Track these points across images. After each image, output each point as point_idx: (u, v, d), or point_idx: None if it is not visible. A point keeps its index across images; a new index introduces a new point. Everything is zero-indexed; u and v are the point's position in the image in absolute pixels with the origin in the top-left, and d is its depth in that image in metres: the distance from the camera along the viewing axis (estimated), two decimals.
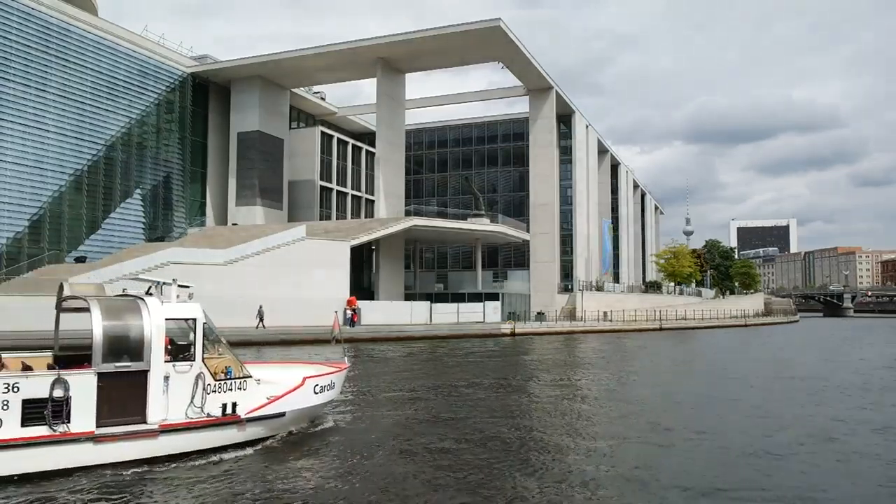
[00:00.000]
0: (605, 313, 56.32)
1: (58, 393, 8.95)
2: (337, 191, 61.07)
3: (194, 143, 52.24)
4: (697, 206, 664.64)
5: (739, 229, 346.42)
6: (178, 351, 10.29)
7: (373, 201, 57.25)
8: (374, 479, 9.13)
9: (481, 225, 52.39)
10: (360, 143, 64.96)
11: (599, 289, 64.07)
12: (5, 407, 8.66)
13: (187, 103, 51.10)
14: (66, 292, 10.64)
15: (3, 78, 38.36)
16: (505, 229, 54.23)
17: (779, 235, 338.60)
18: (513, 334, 43.25)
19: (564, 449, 11.19)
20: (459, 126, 75.42)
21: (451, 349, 32.01)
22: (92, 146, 43.59)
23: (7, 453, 8.56)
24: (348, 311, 38.32)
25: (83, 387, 9.16)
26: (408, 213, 52.71)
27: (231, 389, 10.54)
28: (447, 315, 44.20)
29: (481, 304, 47.69)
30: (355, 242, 41.54)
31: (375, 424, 12.86)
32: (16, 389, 8.76)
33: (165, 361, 9.86)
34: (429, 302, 44.88)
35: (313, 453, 10.61)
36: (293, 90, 58.38)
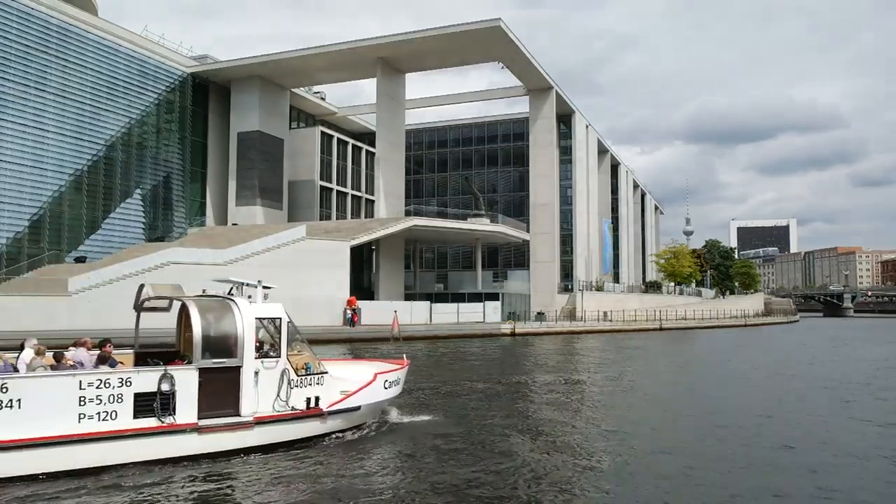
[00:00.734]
0: (605, 313, 56.33)
1: (165, 387, 9.67)
2: (337, 191, 61.06)
3: (194, 143, 52.23)
4: (698, 207, 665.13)
5: (739, 229, 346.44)
6: (265, 348, 10.91)
7: (373, 201, 57.24)
8: (443, 470, 9.71)
9: (481, 225, 52.39)
10: (360, 143, 64.95)
11: (599, 289, 64.06)
12: (119, 400, 9.36)
13: (187, 103, 51.08)
14: (149, 293, 11.59)
15: (3, 78, 38.34)
16: (505, 229, 54.24)
17: (779, 235, 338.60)
18: (513, 334, 43.23)
19: (632, 452, 11.28)
20: (459, 126, 75.41)
21: (454, 349, 31.97)
22: (92, 146, 43.57)
23: (122, 443, 9.29)
24: (348, 312, 38.31)
25: (186, 381, 9.88)
26: (408, 213, 52.70)
27: (311, 384, 11.21)
28: (447, 315, 44.21)
29: (481, 304, 47.69)
30: (355, 242, 41.53)
31: (433, 419, 13.56)
32: (129, 384, 9.48)
33: (255, 358, 10.51)
34: (429, 302, 44.90)
35: (387, 444, 11.36)
36: (293, 90, 58.37)
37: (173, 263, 33.15)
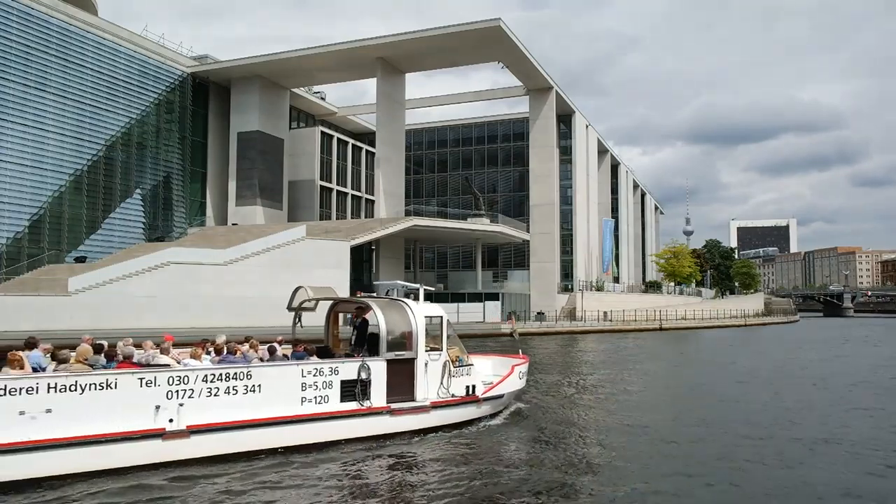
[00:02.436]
0: (605, 313, 56.32)
1: (363, 375, 11.26)
2: (337, 191, 61.04)
3: (194, 143, 52.22)
4: (699, 207, 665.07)
5: (739, 229, 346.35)
6: (430, 343, 12.40)
7: (373, 201, 57.24)
8: (572, 453, 10.95)
9: (481, 225, 52.37)
10: (360, 143, 64.93)
11: (599, 289, 64.09)
12: (330, 386, 10.98)
13: (187, 103, 51.06)
14: (309, 294, 13.80)
15: (3, 78, 38.33)
16: (505, 229, 54.23)
17: (779, 235, 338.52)
18: (513, 334, 43.22)
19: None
20: (459, 126, 75.41)
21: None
22: (92, 146, 43.57)
23: (332, 423, 10.90)
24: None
25: (377, 371, 11.45)
26: (408, 213, 52.67)
27: (465, 375, 12.85)
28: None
29: (481, 304, 47.68)
30: (355, 242, 41.53)
31: (546, 409, 14.96)
32: (336, 372, 11.09)
33: (424, 351, 12.12)
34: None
35: (524, 429, 12.86)
36: (293, 90, 58.35)
37: (173, 263, 33.12)
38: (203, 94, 53.16)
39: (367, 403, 11.23)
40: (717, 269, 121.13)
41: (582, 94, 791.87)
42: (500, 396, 13.50)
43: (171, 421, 9.42)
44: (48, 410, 8.62)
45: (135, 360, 10.21)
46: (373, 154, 58.20)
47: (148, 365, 10.08)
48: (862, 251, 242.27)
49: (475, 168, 73.46)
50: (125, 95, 45.84)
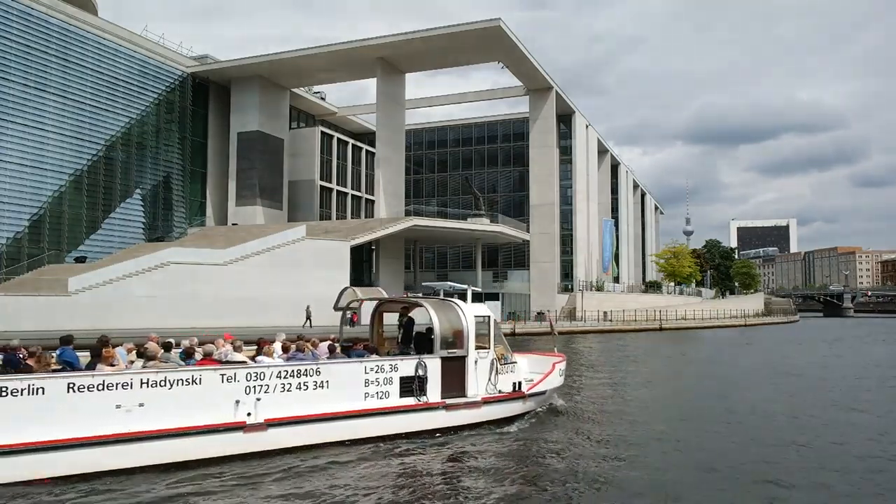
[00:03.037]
0: (605, 313, 56.32)
1: (420, 372, 11.78)
2: (337, 191, 61.02)
3: (194, 143, 52.21)
4: (699, 207, 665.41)
5: (739, 229, 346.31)
6: (478, 341, 12.81)
7: (373, 201, 57.23)
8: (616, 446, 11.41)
9: (481, 225, 52.38)
10: (360, 143, 64.91)
11: (599, 289, 64.11)
12: (390, 382, 11.48)
13: (187, 103, 51.05)
14: (358, 296, 14.68)
15: (3, 78, 38.33)
16: (505, 229, 54.23)
17: (779, 235, 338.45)
18: (513, 334, 43.19)
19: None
20: (459, 126, 75.41)
21: None
22: (92, 146, 43.56)
23: (392, 417, 11.41)
24: (348, 312, 38.29)
25: (433, 368, 11.97)
26: (408, 213, 52.68)
27: (510, 372, 13.48)
28: None
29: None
30: (355, 242, 41.53)
31: (584, 406, 15.55)
32: (396, 369, 11.60)
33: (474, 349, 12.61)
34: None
35: (566, 424, 13.41)
36: (293, 90, 58.34)
37: (173, 263, 33.13)
38: (203, 94, 53.15)
39: (423, 399, 11.78)
40: (717, 269, 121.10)
41: (583, 95, 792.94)
42: (543, 393, 14.12)
43: (249, 415, 9.99)
44: (141, 404, 9.18)
45: (213, 357, 10.76)
46: (373, 154, 58.19)
47: (228, 362, 10.62)
48: (862, 251, 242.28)
49: (475, 168, 73.46)
50: (125, 95, 45.83)
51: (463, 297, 13.56)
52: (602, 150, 77.69)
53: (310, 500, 8.18)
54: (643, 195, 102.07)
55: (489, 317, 13.19)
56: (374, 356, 11.99)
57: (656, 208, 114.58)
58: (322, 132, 59.76)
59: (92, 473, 8.65)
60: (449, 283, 14.23)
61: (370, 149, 62.01)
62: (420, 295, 14.05)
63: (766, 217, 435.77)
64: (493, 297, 50.42)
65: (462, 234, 54.29)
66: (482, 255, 59.45)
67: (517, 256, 66.50)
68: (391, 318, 15.16)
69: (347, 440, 10.80)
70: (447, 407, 12.02)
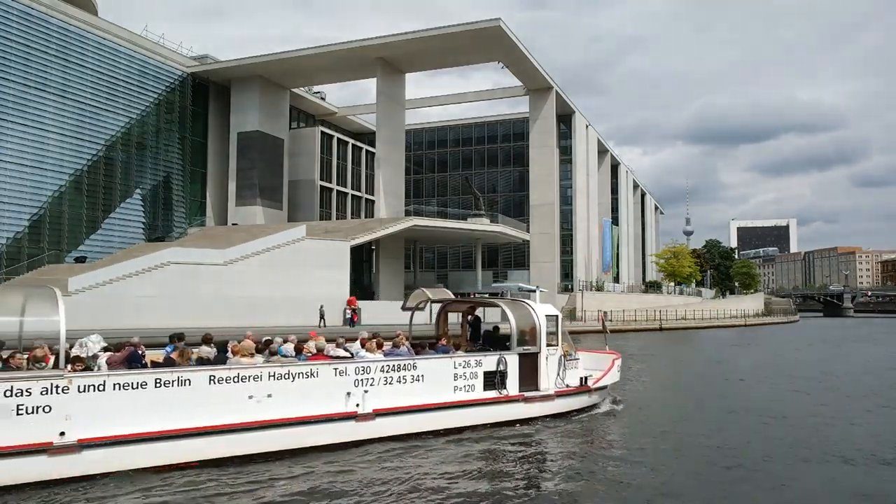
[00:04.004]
0: (604, 313, 56.26)
1: (501, 367, 12.65)
2: (337, 191, 61.01)
3: (194, 143, 52.20)
4: (700, 207, 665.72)
5: (739, 229, 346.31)
6: (547, 339, 13.70)
7: (373, 201, 57.21)
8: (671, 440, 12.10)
9: (481, 225, 52.36)
10: (360, 143, 64.90)
11: (599, 289, 64.10)
12: (475, 376, 12.39)
13: (187, 103, 51.05)
14: (428, 296, 15.55)
15: (3, 78, 38.34)
16: (505, 229, 54.21)
17: (779, 235, 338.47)
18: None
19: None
20: (459, 126, 75.41)
21: None
22: (92, 146, 43.56)
23: (477, 409, 12.31)
24: (348, 311, 38.28)
25: (512, 363, 12.86)
26: (408, 213, 52.67)
27: (575, 368, 14.39)
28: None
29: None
30: (355, 242, 41.51)
31: (641, 403, 16.30)
32: (480, 364, 12.50)
33: (545, 346, 13.51)
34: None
35: (627, 417, 14.39)
36: (293, 90, 58.33)
37: (173, 263, 33.10)
38: (203, 94, 53.14)
39: (504, 392, 12.67)
40: (717, 269, 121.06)
41: (584, 95, 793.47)
42: (605, 387, 15.10)
43: (357, 405, 10.97)
44: (269, 395, 10.11)
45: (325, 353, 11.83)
46: (373, 154, 58.17)
47: (337, 357, 11.68)
48: (862, 251, 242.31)
49: (475, 168, 73.46)
50: (125, 95, 45.83)
51: (514, 297, 14.48)
52: (602, 150, 77.68)
53: (415, 483, 9.01)
54: (643, 195, 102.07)
55: (557, 316, 14.16)
56: (459, 352, 12.98)
57: (656, 208, 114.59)
58: (322, 132, 59.75)
59: (228, 458, 9.54)
60: (518, 283, 15.38)
61: (370, 149, 62.00)
62: (485, 295, 15.32)
63: (766, 217, 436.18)
64: None
65: (462, 234, 54.27)
66: (482, 255, 59.45)
67: (517, 256, 66.50)
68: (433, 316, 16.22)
69: (441, 429, 11.72)
70: (526, 400, 12.97)
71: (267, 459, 9.71)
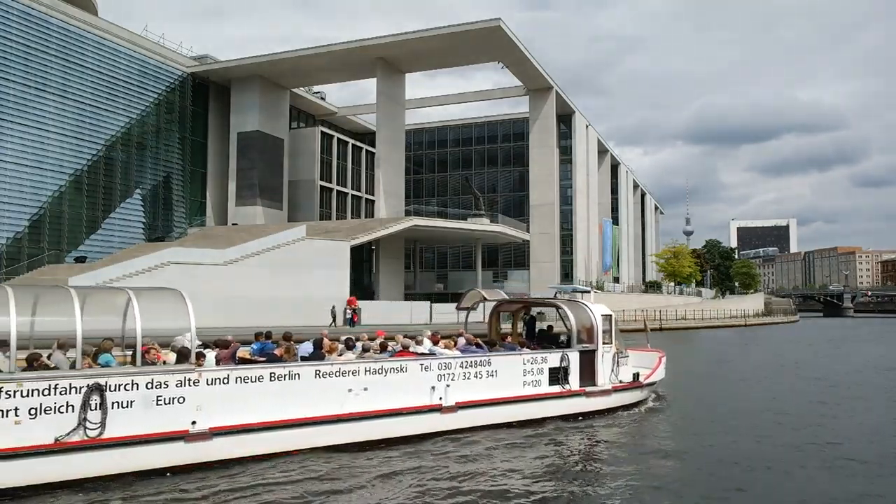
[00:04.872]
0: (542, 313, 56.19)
1: (564, 364, 13.62)
2: (337, 191, 60.99)
3: (194, 143, 52.19)
4: (700, 207, 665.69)
5: (739, 229, 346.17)
6: (602, 337, 14.56)
7: (373, 201, 57.18)
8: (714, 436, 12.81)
9: (481, 225, 52.33)
10: (360, 143, 64.88)
11: (599, 289, 63.98)
12: (541, 372, 13.35)
13: (187, 103, 51.03)
14: (484, 296, 16.55)
15: (3, 78, 38.32)
16: (505, 229, 54.18)
17: (779, 235, 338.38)
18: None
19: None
20: (459, 126, 75.36)
21: None
22: (92, 146, 43.55)
23: (544, 402, 13.28)
24: (348, 312, 38.27)
25: (573, 360, 13.84)
26: (408, 213, 52.65)
27: (626, 364, 15.26)
28: (447, 315, 44.01)
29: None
30: (355, 242, 41.50)
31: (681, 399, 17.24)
32: (545, 361, 13.46)
33: (602, 344, 14.43)
34: (429, 302, 44.82)
35: (675, 411, 15.50)
36: (293, 90, 58.31)
37: (173, 263, 33.09)
38: (203, 94, 53.12)
39: (567, 387, 13.62)
40: (717, 269, 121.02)
41: (585, 95, 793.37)
42: (654, 383, 16.19)
43: (440, 399, 11.83)
44: (365, 388, 11.03)
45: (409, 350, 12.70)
46: (373, 154, 58.15)
47: (422, 354, 12.50)
48: (862, 251, 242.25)
49: (475, 168, 73.42)
50: (125, 95, 45.82)
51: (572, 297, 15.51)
52: (602, 150, 77.66)
53: (494, 470, 9.92)
54: (643, 195, 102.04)
55: (611, 315, 15.00)
56: (526, 350, 14.02)
57: (656, 208, 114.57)
58: (322, 132, 59.73)
59: (330, 447, 10.45)
60: (573, 284, 15.80)
61: (370, 149, 61.97)
62: (537, 296, 15.57)
63: (766, 217, 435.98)
64: None
65: (462, 234, 54.25)
66: (482, 255, 59.41)
67: (517, 256, 66.47)
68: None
69: (514, 422, 12.70)
70: (587, 394, 14.00)
71: (362, 448, 10.59)
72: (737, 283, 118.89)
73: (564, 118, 63.68)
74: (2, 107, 38.21)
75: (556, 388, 13.46)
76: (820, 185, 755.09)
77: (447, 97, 67.38)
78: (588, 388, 13.95)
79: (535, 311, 17.84)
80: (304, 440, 10.34)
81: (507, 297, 17.10)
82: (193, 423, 9.44)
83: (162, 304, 10.61)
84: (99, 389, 8.84)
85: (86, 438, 8.67)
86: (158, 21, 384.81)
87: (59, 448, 8.54)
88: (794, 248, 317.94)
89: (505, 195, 71.70)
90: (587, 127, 68.81)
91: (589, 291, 15.93)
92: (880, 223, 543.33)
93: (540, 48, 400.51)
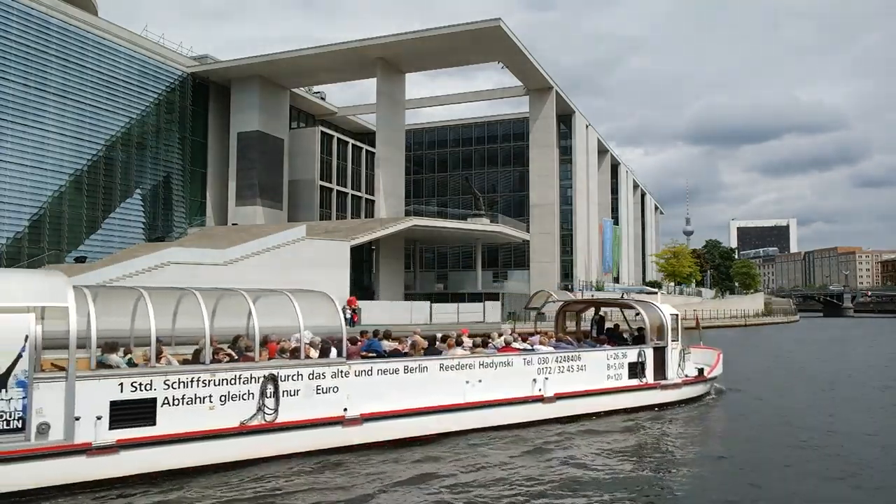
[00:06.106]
0: (604, 313, 56.25)
1: (640, 359, 14.91)
2: (337, 191, 60.98)
3: (194, 143, 52.18)
4: (701, 207, 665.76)
5: (739, 229, 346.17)
6: (671, 334, 15.68)
7: (373, 201, 57.17)
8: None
9: (481, 225, 52.30)
10: (360, 143, 64.87)
11: (599, 289, 64.00)
12: (622, 367, 14.63)
13: (187, 103, 51.02)
14: (554, 297, 18.05)
15: (3, 78, 38.33)
16: (505, 229, 54.16)
17: (779, 235, 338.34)
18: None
19: None
20: (459, 126, 75.33)
21: None
22: (92, 146, 43.55)
23: (625, 394, 14.56)
24: (348, 312, 38.27)
25: (649, 355, 15.14)
26: (408, 213, 52.63)
27: (689, 360, 16.46)
28: (447, 315, 44.04)
29: (481, 304, 47.55)
30: (355, 242, 41.49)
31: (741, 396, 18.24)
32: (625, 356, 14.75)
33: (671, 341, 15.60)
34: (429, 302, 44.79)
35: (734, 404, 16.85)
36: (293, 90, 58.30)
37: (173, 263, 33.10)
38: (203, 94, 53.12)
39: (644, 380, 14.86)
40: (717, 269, 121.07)
41: (586, 95, 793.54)
42: (715, 378, 17.43)
43: (540, 390, 13.09)
44: (480, 380, 12.29)
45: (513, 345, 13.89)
46: (373, 154, 58.14)
47: (525, 350, 13.72)
48: (862, 251, 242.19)
49: (475, 168, 73.38)
50: (125, 95, 45.81)
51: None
52: (602, 151, 77.66)
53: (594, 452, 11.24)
54: (643, 195, 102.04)
55: (677, 314, 16.19)
56: (607, 346, 15.26)
57: (656, 208, 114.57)
58: (322, 132, 59.72)
59: (453, 433, 11.66)
60: (638, 286, 17.33)
61: (370, 149, 61.96)
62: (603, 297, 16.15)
63: (767, 217, 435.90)
64: (493, 297, 50.35)
65: (462, 234, 54.23)
66: (482, 255, 59.40)
67: (517, 256, 66.44)
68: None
69: (602, 412, 13.93)
70: (662, 387, 15.24)
71: (475, 433, 11.80)
72: (737, 283, 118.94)
73: (564, 118, 63.66)
74: (2, 107, 38.21)
75: (635, 382, 14.71)
76: (820, 185, 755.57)
77: (447, 97, 67.37)
78: (662, 382, 15.25)
79: (602, 310, 19.31)
80: (435, 426, 11.58)
81: (573, 298, 18.61)
82: (345, 409, 10.75)
83: (313, 305, 12.36)
84: (273, 379, 10.24)
85: (263, 422, 9.97)
86: (158, 22, 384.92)
87: (243, 431, 9.78)
88: (794, 248, 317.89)
89: (505, 195, 71.67)
90: (587, 127, 68.80)
91: (656, 292, 17.41)
92: (880, 223, 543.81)
93: (540, 48, 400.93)
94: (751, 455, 11.17)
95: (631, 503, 8.67)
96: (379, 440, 10.90)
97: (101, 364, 9.44)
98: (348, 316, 38.36)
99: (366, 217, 60.15)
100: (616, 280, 77.29)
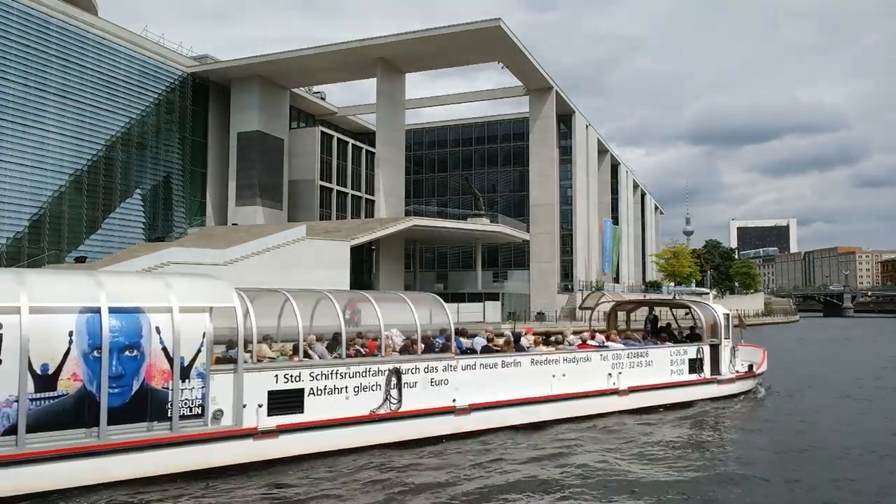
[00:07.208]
0: (604, 313, 56.23)
1: (699, 355, 16.13)
2: (337, 191, 60.95)
3: (194, 143, 52.17)
4: (701, 207, 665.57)
5: (739, 229, 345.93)
6: (724, 332, 16.86)
7: (373, 201, 57.15)
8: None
9: (481, 225, 52.28)
10: (360, 143, 64.84)
11: (599, 289, 63.96)
12: (683, 363, 15.89)
13: (187, 103, 51.02)
14: (607, 298, 18.10)
15: (3, 78, 38.32)
16: (505, 229, 54.14)
17: (779, 235, 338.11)
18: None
19: None
20: (460, 126, 75.30)
21: None
22: (92, 146, 43.54)
23: (686, 388, 15.84)
24: (348, 312, 38.25)
25: (706, 352, 16.34)
26: (408, 213, 52.63)
27: (738, 356, 17.69)
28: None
29: (481, 304, 47.53)
30: (355, 242, 41.47)
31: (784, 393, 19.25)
32: (686, 353, 16.03)
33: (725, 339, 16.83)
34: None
35: (780, 398, 18.08)
36: (293, 90, 58.28)
37: (173, 263, 33.06)
38: (203, 94, 53.10)
39: (702, 375, 16.14)
40: (717, 269, 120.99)
41: (586, 96, 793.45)
42: (763, 373, 18.72)
43: (614, 384, 14.36)
44: (564, 375, 13.62)
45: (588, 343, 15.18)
46: (373, 154, 58.12)
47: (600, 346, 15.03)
48: (862, 251, 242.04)
49: (475, 168, 73.35)
50: (125, 95, 45.80)
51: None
52: (602, 151, 77.63)
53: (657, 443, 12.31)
54: (643, 195, 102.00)
55: (728, 314, 17.28)
56: (668, 343, 16.49)
57: (656, 208, 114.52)
58: (322, 132, 59.69)
59: (545, 422, 12.94)
60: (690, 287, 17.47)
61: (370, 149, 61.94)
62: (659, 297, 16.75)
63: (767, 217, 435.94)
64: (493, 297, 50.35)
65: (462, 234, 54.21)
66: (482, 255, 59.37)
67: (517, 256, 66.42)
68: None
69: (668, 404, 15.12)
70: (719, 381, 16.46)
71: (559, 423, 13.07)
72: (737, 283, 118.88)
73: (564, 118, 63.64)
74: (2, 107, 38.20)
75: (694, 376, 15.99)
76: (820, 185, 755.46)
77: (448, 97, 67.35)
78: (717, 377, 16.49)
79: (657, 310, 20.45)
80: (530, 415, 12.87)
81: (626, 299, 19.61)
82: (454, 400, 11.97)
83: (424, 307, 13.68)
84: (397, 372, 11.47)
85: (389, 411, 11.21)
86: (159, 22, 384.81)
87: (373, 418, 11.02)
88: (794, 248, 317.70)
89: (505, 195, 71.63)
90: (587, 127, 68.78)
91: (708, 293, 18.38)
92: (880, 223, 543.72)
93: (540, 48, 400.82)
94: (833, 443, 12.35)
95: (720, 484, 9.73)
96: (484, 427, 12.13)
97: (230, 359, 10.28)
98: (348, 316, 38.43)
99: (366, 217, 60.12)
100: (616, 280, 77.28)
